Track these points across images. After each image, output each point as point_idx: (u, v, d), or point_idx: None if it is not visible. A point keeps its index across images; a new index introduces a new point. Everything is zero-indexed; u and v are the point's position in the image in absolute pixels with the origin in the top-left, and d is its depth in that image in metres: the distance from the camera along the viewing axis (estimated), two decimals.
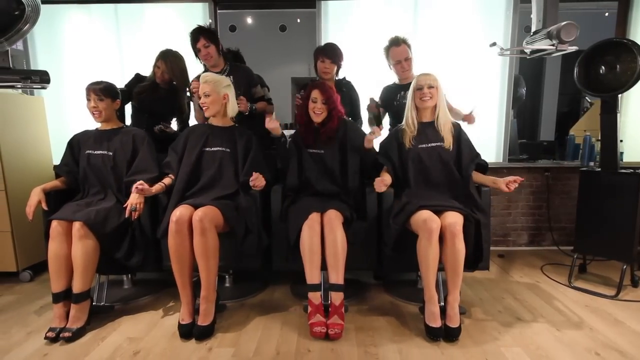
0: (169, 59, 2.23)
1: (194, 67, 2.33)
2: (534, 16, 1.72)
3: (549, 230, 2.87)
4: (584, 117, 3.07)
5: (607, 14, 4.56)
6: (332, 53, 2.21)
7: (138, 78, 2.38)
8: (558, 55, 1.65)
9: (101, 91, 1.86)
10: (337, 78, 2.33)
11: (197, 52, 2.17)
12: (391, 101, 2.29)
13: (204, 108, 1.89)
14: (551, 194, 2.85)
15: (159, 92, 2.30)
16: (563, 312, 1.86)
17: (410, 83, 1.93)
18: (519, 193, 2.87)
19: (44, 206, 1.78)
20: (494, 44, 1.75)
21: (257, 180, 1.75)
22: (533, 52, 1.74)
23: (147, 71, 2.36)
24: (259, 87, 2.31)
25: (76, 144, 1.97)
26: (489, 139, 2.82)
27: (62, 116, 2.80)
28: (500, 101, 2.78)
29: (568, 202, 2.85)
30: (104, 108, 1.88)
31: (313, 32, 2.77)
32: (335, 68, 2.25)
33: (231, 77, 2.14)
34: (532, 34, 1.76)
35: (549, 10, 1.56)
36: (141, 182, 1.72)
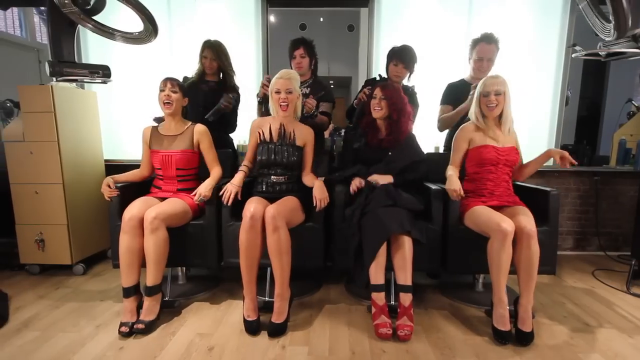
0: (214, 46, 2.28)
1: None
2: (612, 18, 1.69)
3: (595, 235, 2.83)
4: (631, 122, 3.02)
5: None
6: (407, 58, 2.19)
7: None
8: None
9: (177, 83, 1.89)
10: (405, 84, 2.30)
11: (292, 57, 2.26)
12: (459, 101, 2.17)
13: (282, 105, 1.83)
14: (598, 198, 2.81)
15: (207, 86, 2.32)
16: (628, 319, 1.84)
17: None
18: (565, 197, 2.84)
19: (114, 189, 1.83)
20: (574, 45, 1.72)
21: (323, 203, 1.77)
22: (608, 55, 1.71)
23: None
24: (326, 104, 2.29)
25: (145, 141, 1.98)
26: (540, 140, 2.79)
27: (111, 110, 2.80)
28: (552, 104, 2.75)
29: (616, 207, 2.82)
30: (175, 100, 1.88)
31: (332, 32, 2.73)
32: (408, 74, 2.25)
33: (309, 89, 2.24)
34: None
35: (633, 13, 1.53)
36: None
